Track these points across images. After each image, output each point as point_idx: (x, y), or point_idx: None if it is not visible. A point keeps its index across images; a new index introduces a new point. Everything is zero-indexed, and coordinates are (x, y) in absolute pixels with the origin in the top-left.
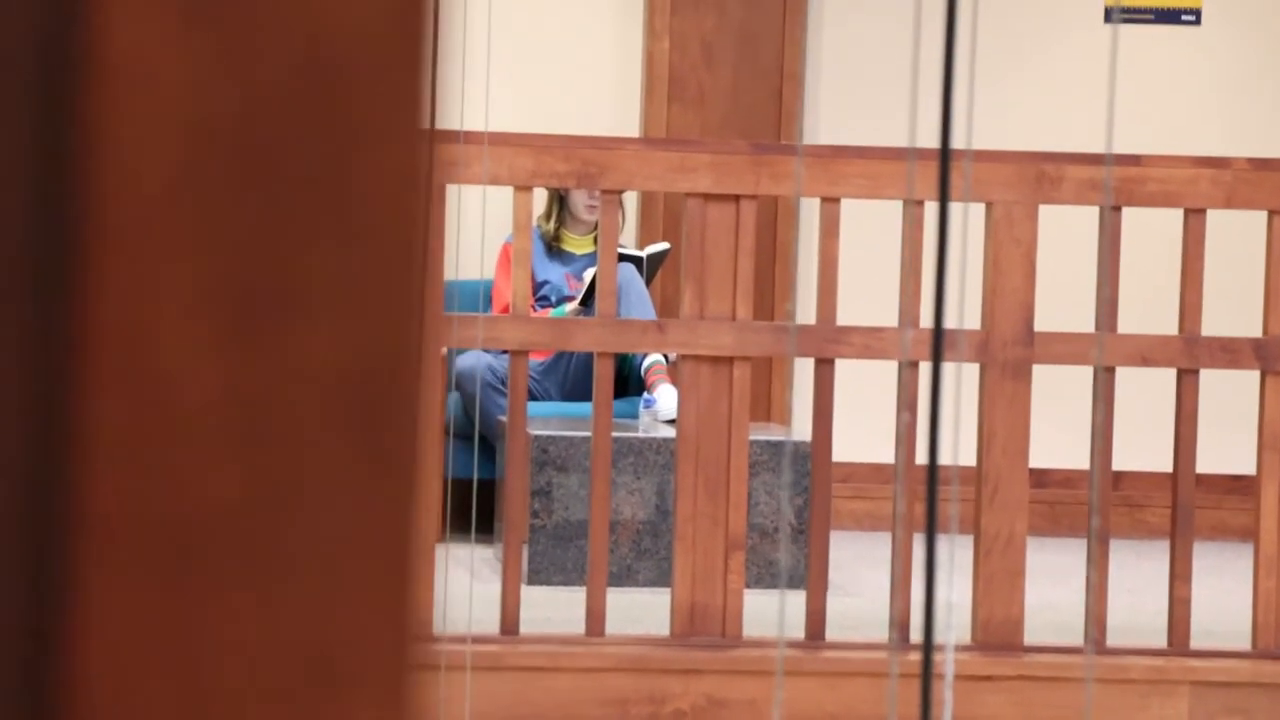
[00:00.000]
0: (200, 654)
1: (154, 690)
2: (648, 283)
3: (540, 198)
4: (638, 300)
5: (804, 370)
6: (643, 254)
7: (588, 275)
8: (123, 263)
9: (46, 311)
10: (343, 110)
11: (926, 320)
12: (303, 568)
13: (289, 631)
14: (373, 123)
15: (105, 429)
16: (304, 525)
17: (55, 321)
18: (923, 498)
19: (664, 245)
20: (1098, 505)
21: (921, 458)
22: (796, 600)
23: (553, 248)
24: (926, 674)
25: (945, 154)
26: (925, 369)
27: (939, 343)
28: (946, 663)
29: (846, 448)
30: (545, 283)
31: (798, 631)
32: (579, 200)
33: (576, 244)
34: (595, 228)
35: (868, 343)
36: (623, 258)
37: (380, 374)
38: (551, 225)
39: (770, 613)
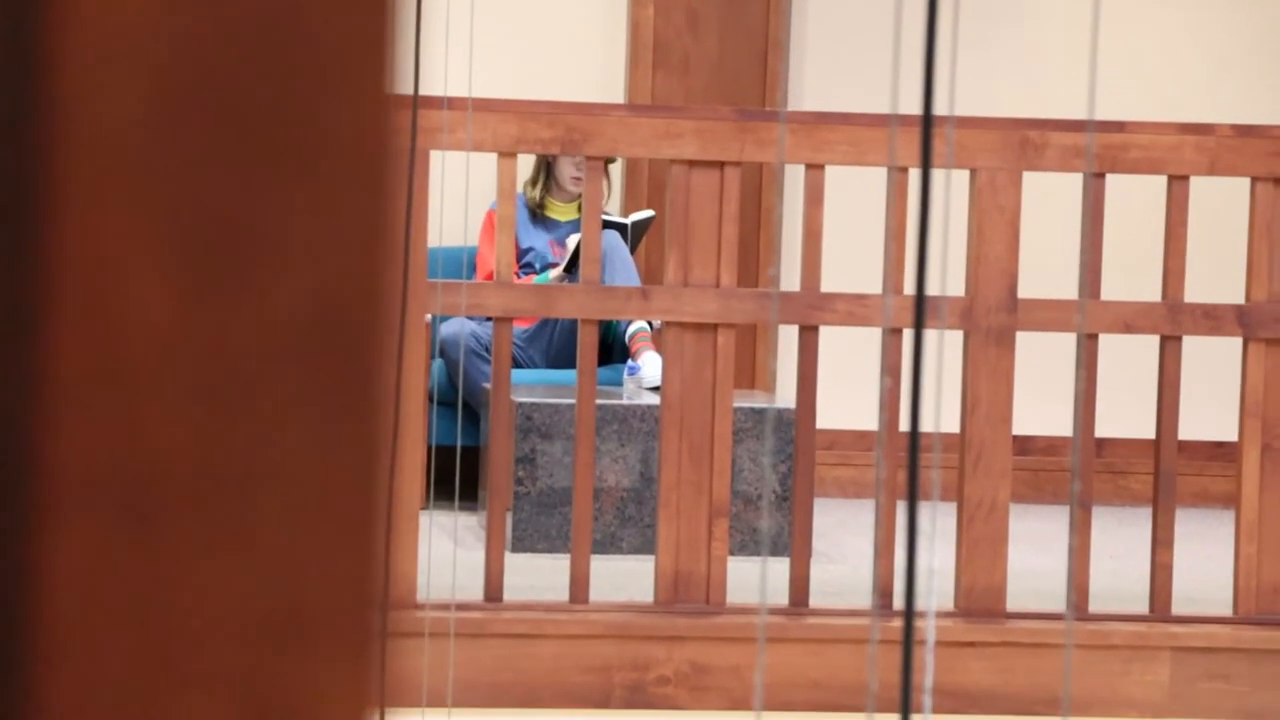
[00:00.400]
0: (161, 604)
1: (114, 641)
2: (632, 250)
3: (527, 164)
4: (622, 267)
5: (788, 337)
6: (627, 221)
7: (571, 241)
8: (83, 208)
9: (4, 256)
10: (309, 55)
11: (911, 287)
12: (265, 519)
13: (251, 583)
14: (339, 69)
15: (65, 376)
16: (266, 475)
17: (14, 266)
18: (905, 465)
19: (648, 213)
20: (1079, 471)
21: (905, 425)
22: (780, 567)
23: (537, 214)
24: (908, 640)
25: (928, 120)
26: (909, 336)
27: (921, 309)
28: (928, 629)
29: (830, 414)
30: (530, 249)
31: (781, 598)
32: (565, 171)
33: (561, 211)
34: (580, 196)
35: (851, 309)
36: (607, 224)
37: (346, 325)
38: (537, 192)
39: (754, 579)
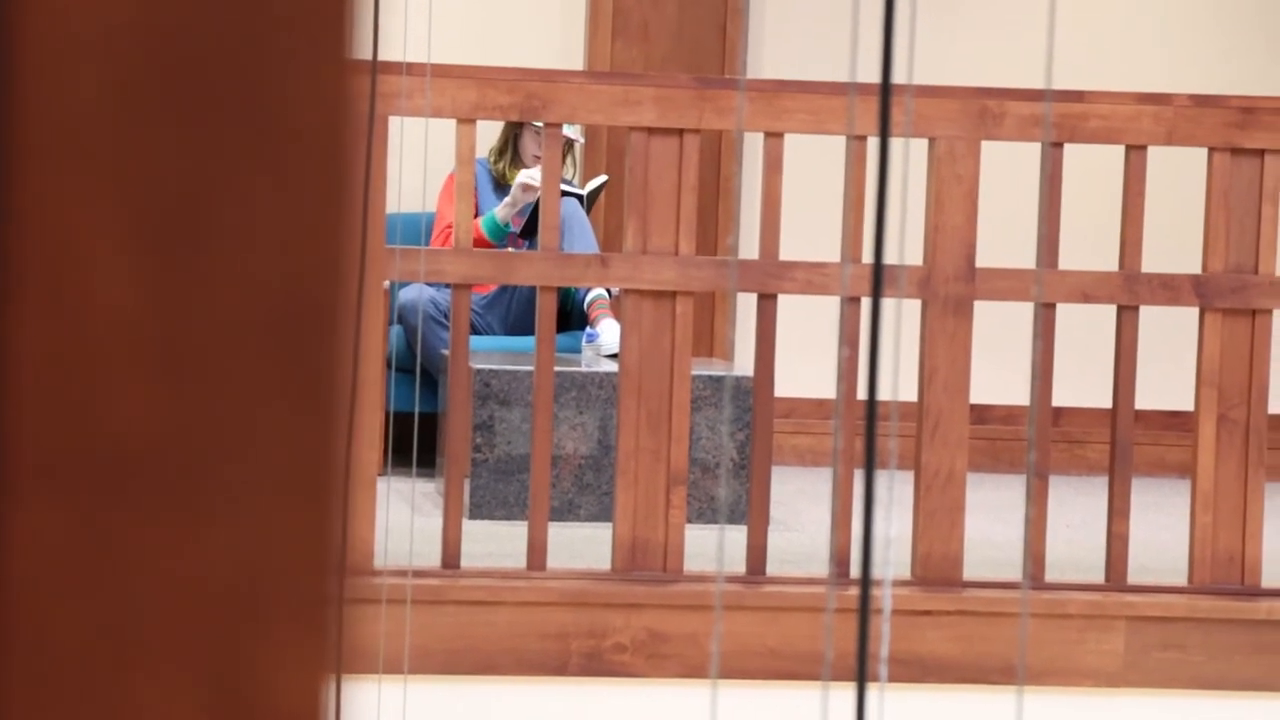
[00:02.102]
0: (120, 580)
1: (72, 616)
2: (588, 214)
3: (495, 132)
4: (580, 234)
5: (747, 305)
6: (583, 191)
7: (516, 187)
8: (44, 187)
9: None
10: (269, 29)
11: (870, 256)
12: (224, 495)
13: (210, 558)
14: (299, 44)
15: (26, 355)
16: (226, 451)
17: None
18: (863, 433)
19: (601, 178)
20: (1036, 441)
21: (862, 393)
22: (738, 535)
23: (499, 184)
24: (864, 608)
25: (886, 89)
26: (867, 304)
27: (878, 278)
28: (884, 598)
29: (789, 383)
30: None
31: (739, 566)
32: (528, 148)
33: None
34: None
35: (810, 278)
36: (564, 194)
37: (306, 301)
38: (503, 164)
39: (711, 547)
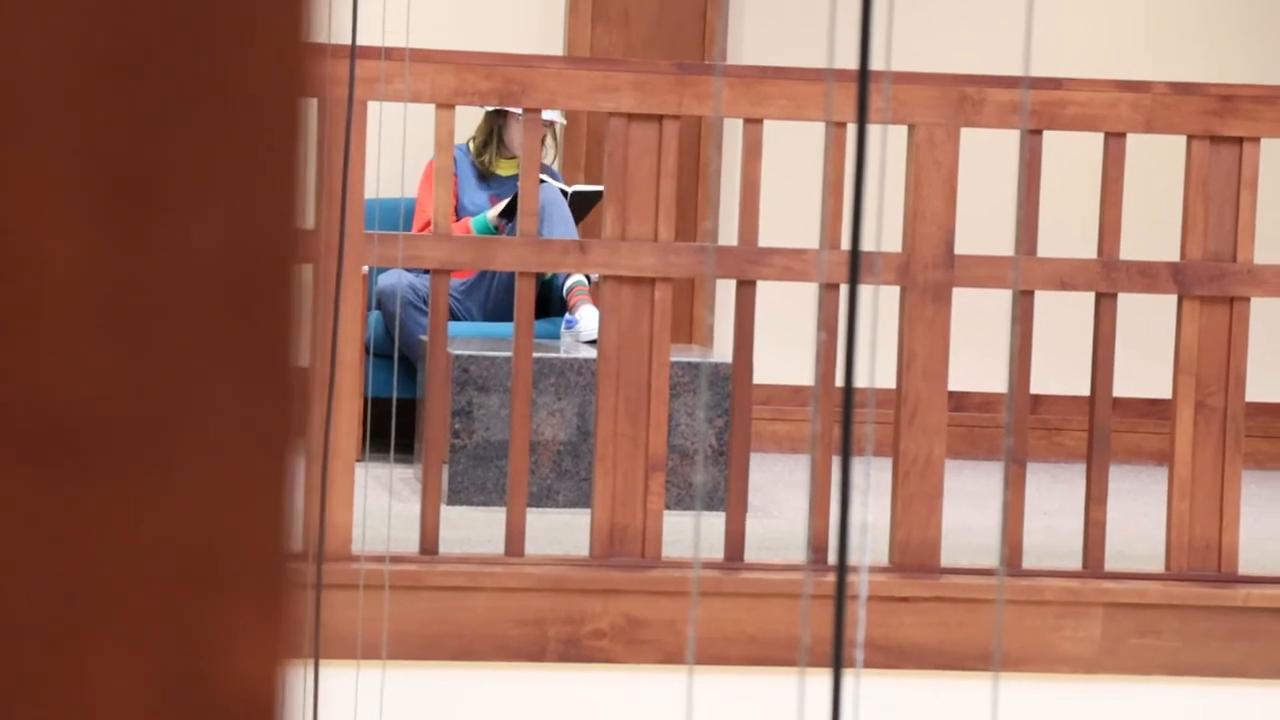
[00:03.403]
0: (70, 550)
1: (22, 588)
2: (578, 222)
3: (474, 121)
4: (560, 221)
5: (726, 292)
6: (568, 188)
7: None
8: None
9: None
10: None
11: (848, 243)
12: (178, 463)
13: (163, 528)
14: (253, 13)
15: None
16: (179, 420)
17: None
18: (841, 420)
19: (597, 187)
20: (1014, 428)
21: (841, 380)
22: (716, 522)
23: (483, 175)
24: (840, 594)
25: (864, 75)
26: (845, 291)
27: (855, 265)
28: (860, 584)
29: (768, 370)
30: (470, 205)
31: (717, 553)
32: (515, 136)
33: (505, 167)
34: None
35: (789, 264)
36: (542, 183)
37: (260, 268)
38: (487, 156)
39: (690, 534)
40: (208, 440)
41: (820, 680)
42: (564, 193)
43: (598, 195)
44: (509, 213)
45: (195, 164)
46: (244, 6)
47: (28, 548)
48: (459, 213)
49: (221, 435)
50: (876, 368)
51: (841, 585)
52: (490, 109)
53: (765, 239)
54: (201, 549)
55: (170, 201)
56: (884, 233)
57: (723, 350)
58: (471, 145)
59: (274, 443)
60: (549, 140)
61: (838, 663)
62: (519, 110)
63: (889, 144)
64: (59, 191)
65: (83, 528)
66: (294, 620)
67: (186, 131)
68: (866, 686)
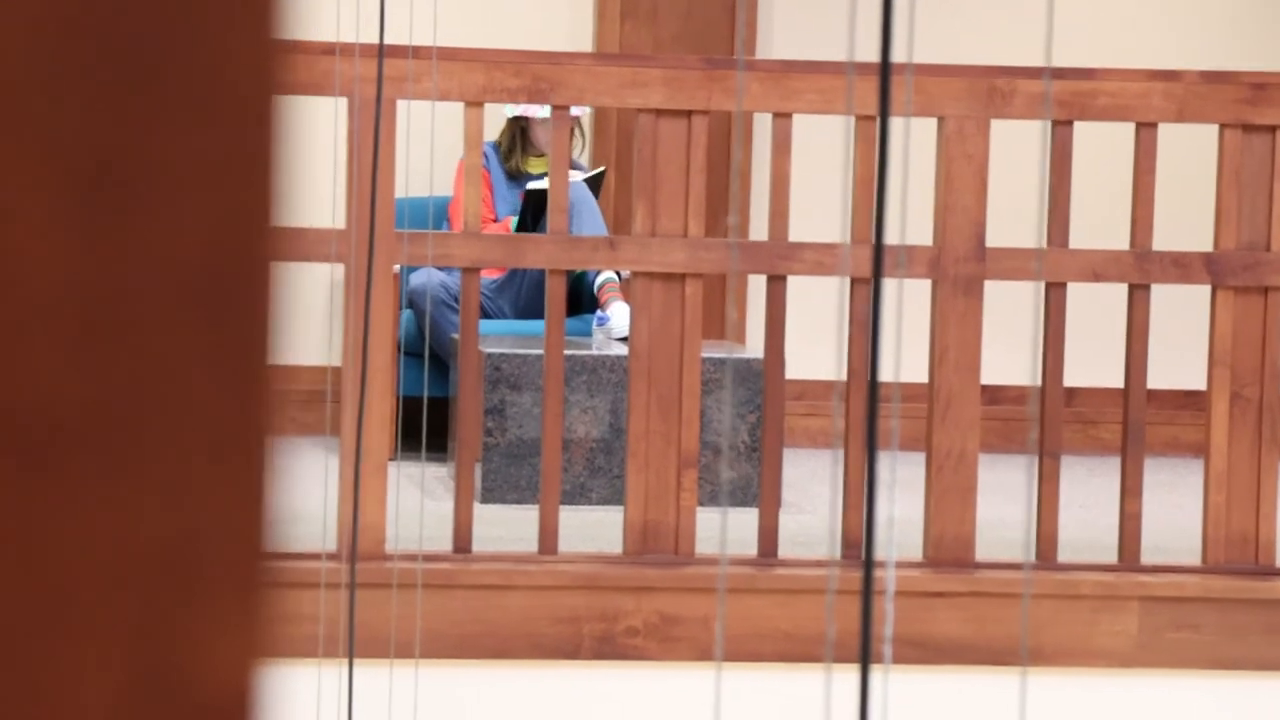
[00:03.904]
0: (44, 549)
1: None
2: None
3: (500, 124)
4: (589, 217)
5: (758, 287)
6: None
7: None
8: None
9: None
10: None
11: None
12: (153, 461)
13: (137, 526)
14: (227, 12)
15: None
16: (154, 417)
17: None
18: (865, 414)
19: (598, 169)
20: (1047, 420)
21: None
22: (750, 518)
23: (513, 176)
24: (867, 589)
25: (885, 68)
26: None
27: (879, 258)
28: (888, 579)
29: (802, 365)
30: (503, 205)
31: (751, 549)
32: (540, 137)
33: (535, 165)
34: None
35: (820, 259)
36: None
37: (235, 264)
38: (514, 161)
39: (726, 530)
40: (183, 440)
41: (849, 676)
42: (589, 183)
43: (601, 176)
44: (537, 218)
45: (170, 163)
46: (219, 5)
47: (1, 547)
48: (496, 212)
49: (197, 435)
50: (908, 362)
51: (868, 580)
52: (511, 114)
53: (795, 233)
54: (176, 548)
55: (145, 200)
56: (915, 226)
57: (755, 346)
58: (499, 149)
59: (250, 442)
60: (576, 133)
61: (865, 658)
62: (541, 114)
63: (920, 137)
64: (32, 190)
65: (57, 527)
66: (270, 619)
67: (161, 130)
68: (899, 682)
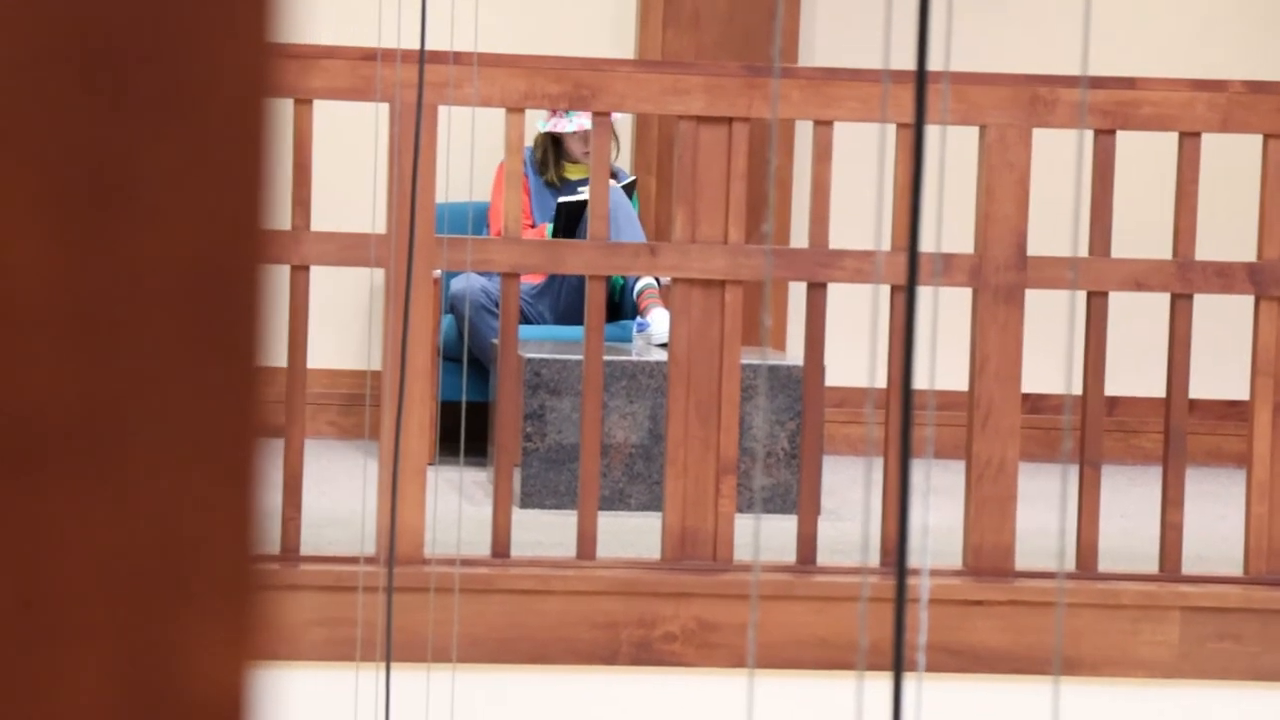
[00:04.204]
0: (32, 555)
1: None
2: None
3: (530, 133)
4: (627, 224)
5: (799, 294)
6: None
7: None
8: None
9: None
10: (186, 4)
11: (924, 244)
12: (142, 467)
13: (126, 533)
14: (217, 15)
15: None
16: (143, 423)
17: None
18: (914, 422)
19: (629, 179)
20: (1086, 429)
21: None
22: (788, 525)
23: (549, 185)
24: (900, 596)
25: (921, 75)
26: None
27: (913, 266)
28: (922, 587)
29: (842, 372)
30: (540, 212)
31: (789, 556)
32: (575, 148)
33: (573, 171)
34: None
35: (860, 266)
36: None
37: (224, 270)
38: (550, 173)
39: (761, 537)
40: (174, 444)
41: (887, 684)
42: (628, 189)
43: (633, 185)
44: (571, 228)
45: (159, 168)
46: (210, 10)
47: None
48: (534, 219)
49: (187, 439)
50: (949, 370)
51: (902, 587)
52: (543, 128)
53: (836, 240)
54: (167, 552)
55: (134, 206)
56: (957, 234)
57: (795, 352)
58: (534, 163)
59: (240, 446)
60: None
61: (898, 666)
62: (570, 127)
63: (962, 144)
64: (23, 198)
65: (48, 531)
66: (260, 625)
67: (151, 136)
68: (938, 691)
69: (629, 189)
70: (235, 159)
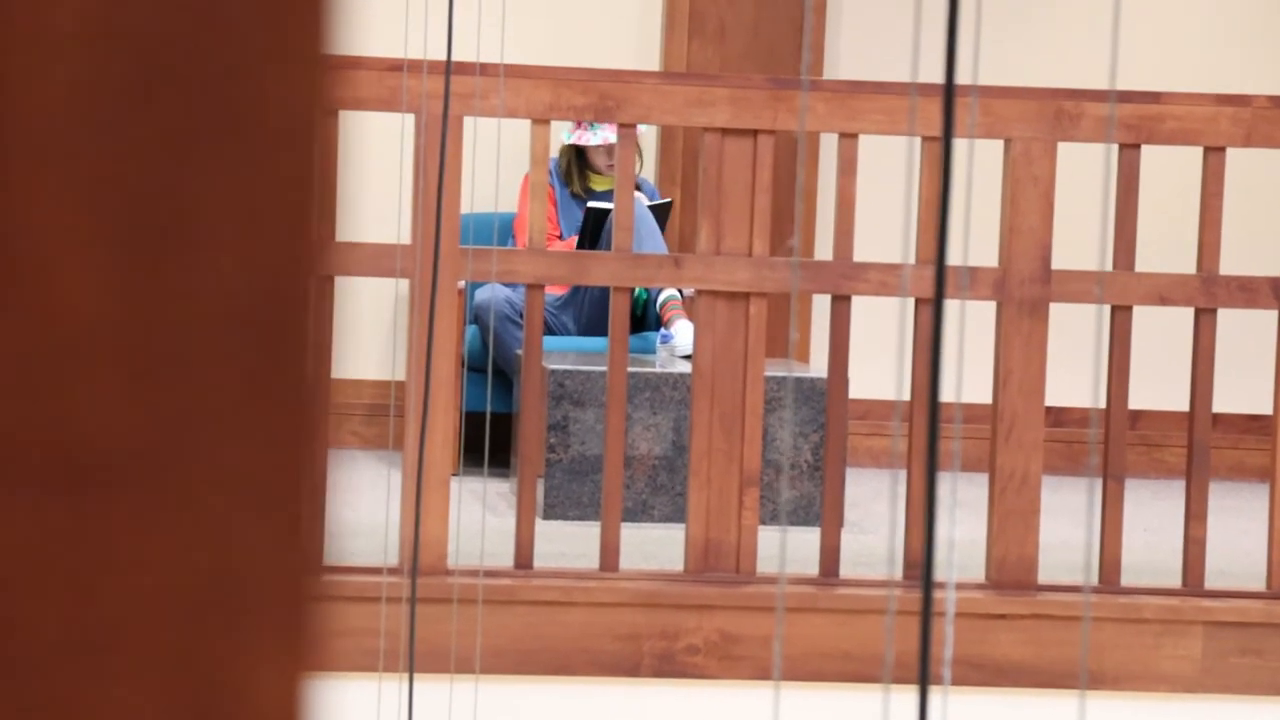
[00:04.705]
0: (88, 582)
1: (43, 616)
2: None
3: (556, 145)
4: (648, 235)
5: (823, 307)
6: (654, 200)
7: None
8: (14, 178)
9: None
10: (240, 23)
11: (949, 258)
12: (195, 494)
13: (181, 559)
14: (271, 43)
15: None
16: (196, 449)
17: None
18: (926, 435)
19: (665, 200)
20: (1110, 443)
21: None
22: (812, 537)
23: (574, 196)
24: (926, 610)
25: (949, 89)
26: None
27: (940, 279)
28: (948, 600)
29: (866, 385)
30: (565, 223)
31: (813, 568)
32: (599, 161)
33: (599, 182)
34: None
35: (884, 279)
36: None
37: (276, 296)
38: (574, 185)
39: (785, 549)
40: (226, 470)
41: (911, 698)
42: (657, 207)
43: (668, 207)
44: (593, 237)
45: (214, 193)
46: (264, 34)
47: (49, 580)
48: (562, 230)
49: (239, 465)
50: (974, 383)
51: (927, 601)
52: (568, 140)
53: (860, 253)
54: (224, 578)
55: (189, 232)
56: (981, 247)
57: (818, 365)
58: (559, 174)
59: (292, 472)
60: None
61: (924, 679)
62: (594, 140)
63: (987, 158)
64: (79, 227)
65: (105, 559)
66: (316, 648)
67: (206, 161)
68: (960, 704)
69: (665, 210)
70: (289, 183)
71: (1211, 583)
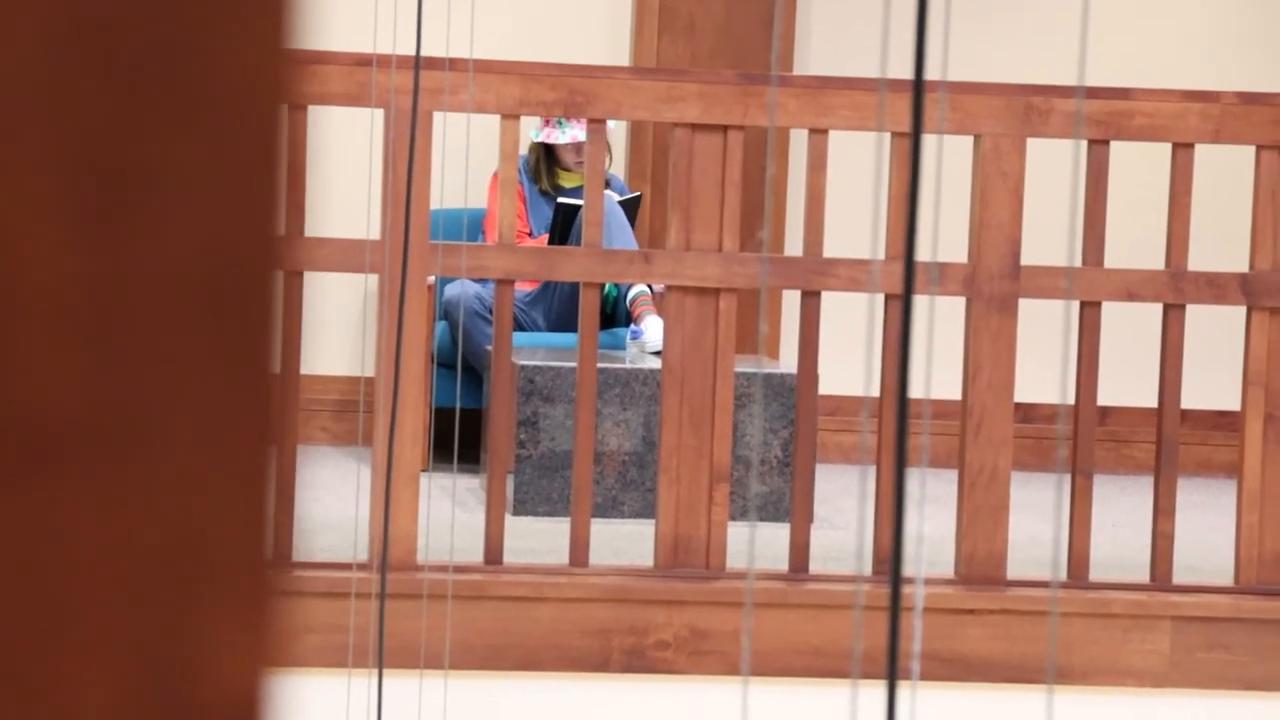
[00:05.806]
0: (46, 558)
1: (1, 589)
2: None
3: (525, 142)
4: (619, 231)
5: (792, 303)
6: (623, 195)
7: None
8: None
9: None
10: (202, 3)
11: (918, 253)
12: (155, 469)
13: (140, 535)
14: (233, 18)
15: None
16: (156, 425)
17: None
18: (895, 431)
19: (635, 195)
20: (1078, 439)
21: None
22: (781, 533)
23: (544, 194)
24: (894, 605)
25: (919, 84)
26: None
27: (910, 275)
28: (916, 595)
29: (835, 381)
30: (535, 220)
31: (782, 564)
32: (568, 157)
33: (568, 179)
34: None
35: (854, 275)
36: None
37: (236, 272)
38: (543, 182)
39: (754, 545)
40: (187, 445)
41: (878, 692)
42: (627, 203)
43: (637, 200)
44: (564, 237)
45: (175, 170)
46: (225, 12)
47: (3, 556)
48: (531, 228)
49: (201, 440)
50: (942, 379)
51: (896, 596)
52: (535, 138)
53: (830, 249)
54: (181, 554)
55: (149, 208)
56: (950, 243)
57: (788, 361)
58: (531, 172)
59: (253, 447)
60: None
61: (892, 674)
62: (563, 139)
63: (957, 155)
64: (37, 199)
65: (61, 532)
66: (276, 625)
67: (166, 138)
68: (929, 699)
69: (634, 204)
70: (250, 162)
71: (1179, 578)
